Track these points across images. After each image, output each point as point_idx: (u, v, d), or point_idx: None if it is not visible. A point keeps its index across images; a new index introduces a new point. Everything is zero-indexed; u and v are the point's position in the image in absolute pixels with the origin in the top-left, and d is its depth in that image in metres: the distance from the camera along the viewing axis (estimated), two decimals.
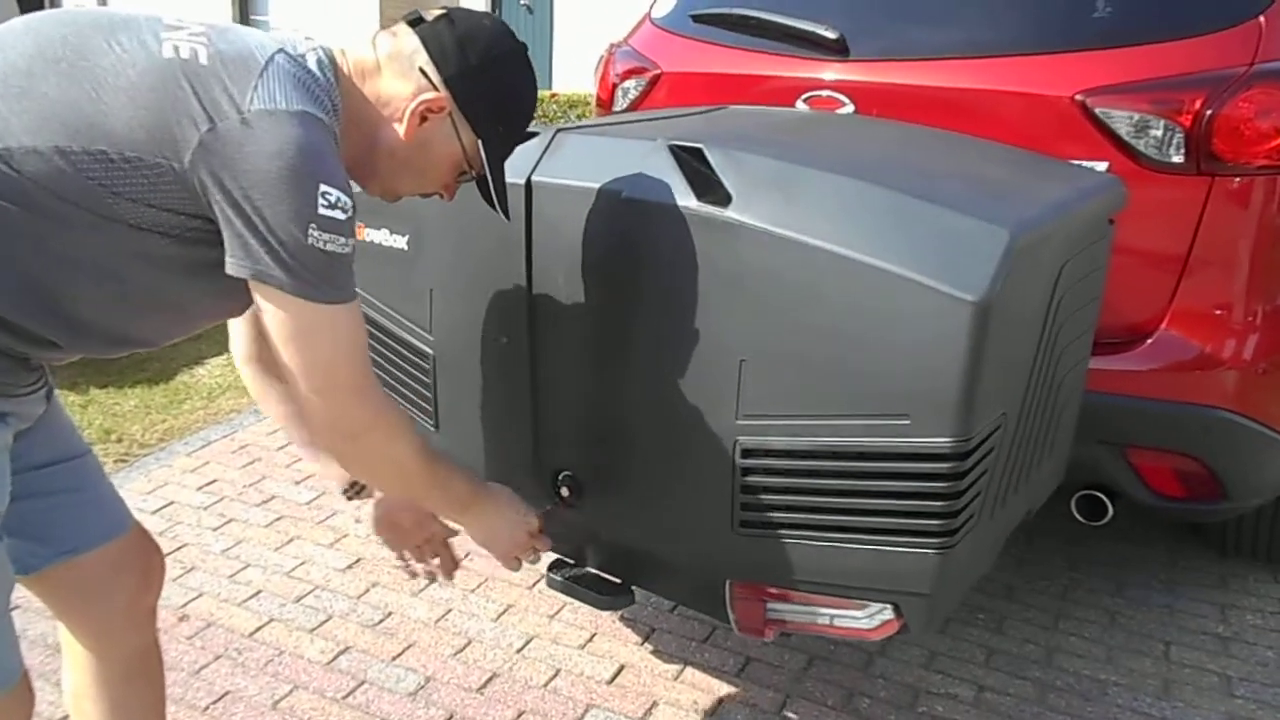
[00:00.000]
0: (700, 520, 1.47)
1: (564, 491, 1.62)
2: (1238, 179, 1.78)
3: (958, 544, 1.31)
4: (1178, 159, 1.79)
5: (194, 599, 2.30)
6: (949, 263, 1.21)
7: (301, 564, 2.45)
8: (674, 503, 1.49)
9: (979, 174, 1.51)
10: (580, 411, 1.56)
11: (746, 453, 1.39)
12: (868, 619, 1.40)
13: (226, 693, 2.00)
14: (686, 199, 1.38)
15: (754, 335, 1.34)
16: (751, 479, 1.39)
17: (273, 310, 1.09)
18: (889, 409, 1.27)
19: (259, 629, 2.20)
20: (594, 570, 1.75)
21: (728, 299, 1.36)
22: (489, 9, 11.82)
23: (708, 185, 1.38)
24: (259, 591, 2.34)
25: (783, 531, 1.40)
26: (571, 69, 11.46)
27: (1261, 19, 1.80)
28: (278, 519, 2.66)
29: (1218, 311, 1.87)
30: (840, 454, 1.32)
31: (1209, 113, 1.76)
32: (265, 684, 2.03)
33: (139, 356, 3.75)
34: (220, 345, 3.91)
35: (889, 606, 1.38)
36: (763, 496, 1.39)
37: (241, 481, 2.85)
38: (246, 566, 2.44)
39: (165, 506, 2.71)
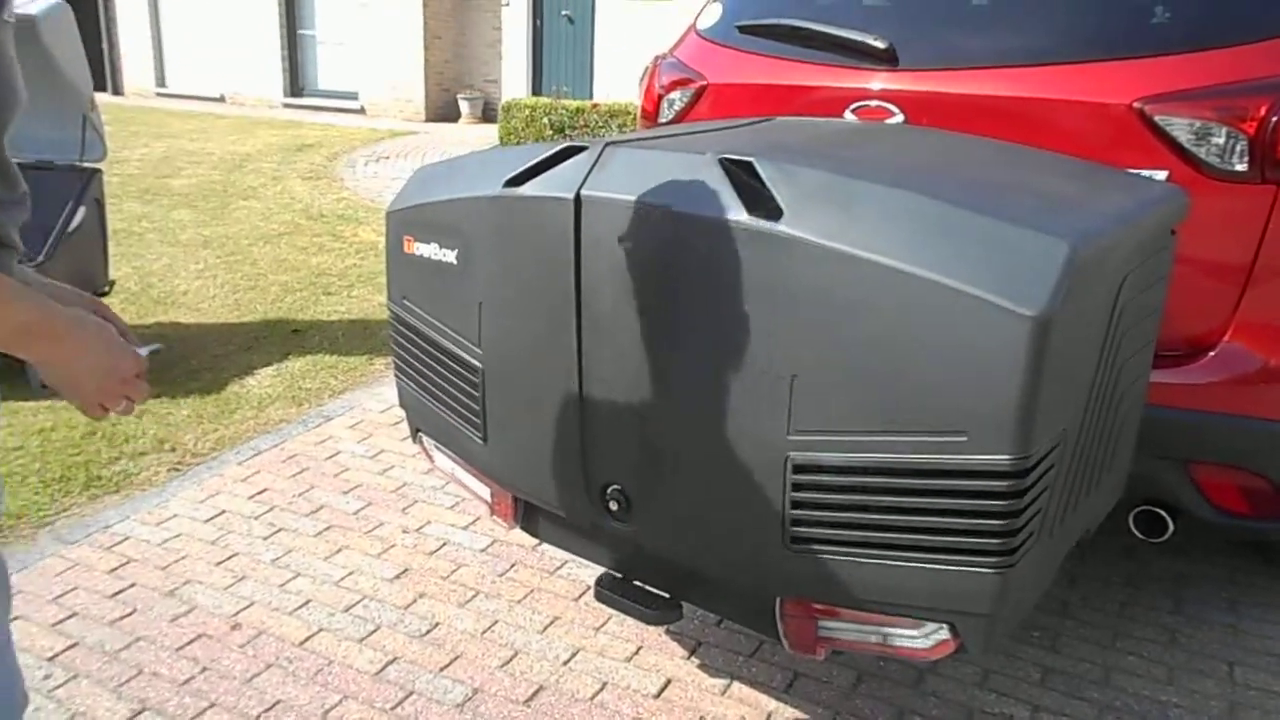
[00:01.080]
0: (751, 536, 1.45)
1: (613, 506, 1.62)
2: None
3: (1017, 563, 1.28)
4: (1241, 167, 1.75)
5: (245, 608, 2.33)
6: (1007, 276, 1.19)
7: (350, 574, 2.48)
8: (723, 518, 1.48)
9: (1035, 185, 1.48)
10: (629, 426, 1.55)
11: (798, 469, 1.37)
12: (923, 639, 1.37)
13: (278, 701, 2.02)
14: (738, 213, 1.37)
15: (806, 350, 1.33)
16: (803, 495, 1.38)
17: None
18: (946, 426, 1.25)
19: (309, 638, 2.22)
20: (642, 584, 1.74)
21: (779, 314, 1.34)
22: (530, 19, 11.92)
23: (759, 199, 1.37)
24: (309, 601, 2.36)
25: (835, 548, 1.38)
26: (612, 80, 11.50)
27: None
28: (326, 528, 2.69)
29: None
30: (895, 470, 1.30)
31: (1275, 119, 1.71)
32: (315, 694, 2.04)
33: (191, 366, 3.83)
34: (270, 356, 3.97)
35: (945, 626, 1.35)
36: (815, 513, 1.38)
37: (291, 491, 2.89)
38: (296, 576, 2.46)
39: (217, 515, 2.75)
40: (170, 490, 2.89)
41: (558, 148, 1.64)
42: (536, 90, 12.08)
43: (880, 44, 2.04)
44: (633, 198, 1.47)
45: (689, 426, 1.47)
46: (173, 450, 3.16)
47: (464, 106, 12.26)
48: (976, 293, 1.19)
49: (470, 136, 10.81)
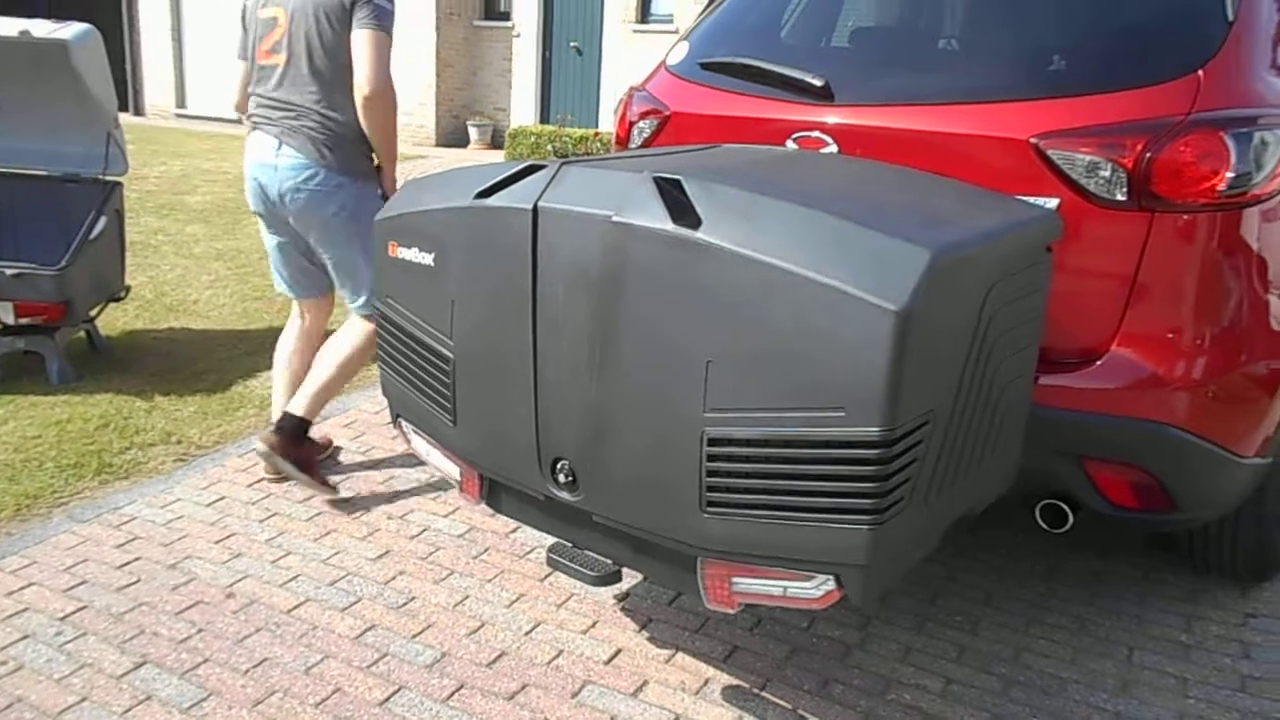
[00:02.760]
0: (675, 502, 1.68)
1: (562, 478, 1.85)
2: (1176, 215, 1.97)
3: (887, 522, 1.51)
4: (1121, 196, 1.99)
5: (239, 580, 2.56)
6: (877, 277, 1.43)
7: (337, 553, 2.71)
8: (652, 487, 1.71)
9: (921, 205, 1.72)
10: (576, 407, 1.79)
11: (712, 441, 1.61)
12: (815, 589, 1.59)
13: (265, 659, 2.24)
14: (665, 222, 1.61)
15: (719, 339, 1.57)
16: (716, 464, 1.61)
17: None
18: (829, 403, 1.48)
19: (296, 607, 2.45)
20: (589, 551, 1.97)
21: (698, 308, 1.58)
22: (540, 49, 12.30)
23: (683, 211, 1.61)
24: (298, 575, 2.59)
25: (743, 511, 1.61)
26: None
27: (1200, 73, 2.00)
28: (317, 514, 2.92)
29: (1166, 334, 2.04)
30: (790, 442, 1.53)
31: (1149, 155, 1.96)
32: (299, 653, 2.27)
33: (199, 368, 4.08)
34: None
35: (832, 578, 1.57)
36: (726, 480, 1.61)
37: (286, 482, 3.12)
38: (287, 554, 2.69)
39: (218, 500, 2.99)
40: (176, 478, 3.13)
41: (521, 165, 1.89)
42: (544, 118, 12.43)
43: (817, 82, 2.29)
44: (581, 209, 1.72)
45: (624, 406, 1.71)
46: (179, 443, 3.40)
47: (473, 133, 12.61)
48: (852, 290, 1.43)
49: (478, 161, 11.13)
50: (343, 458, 3.30)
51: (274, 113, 2.95)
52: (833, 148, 2.28)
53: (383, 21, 2.81)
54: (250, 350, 4.35)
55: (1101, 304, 2.06)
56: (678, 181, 1.66)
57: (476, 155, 11.90)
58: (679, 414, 1.63)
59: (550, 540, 2.44)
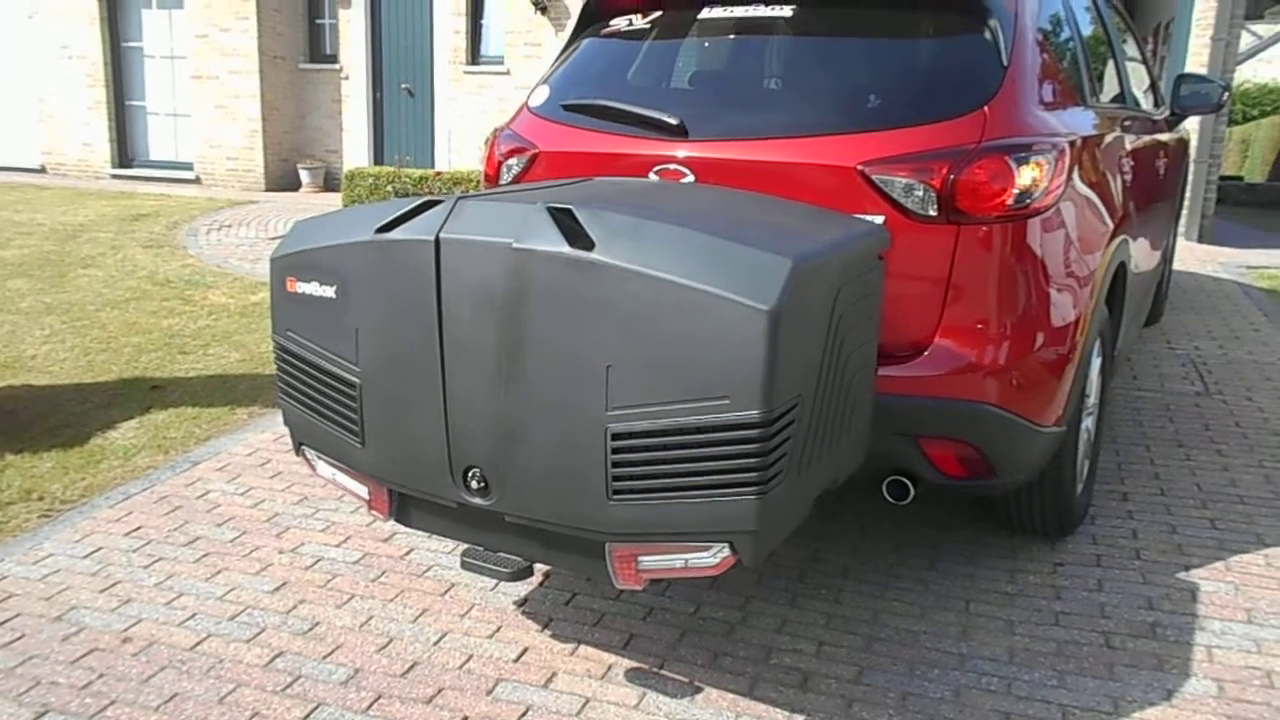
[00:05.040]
0: (583, 495, 1.89)
1: (474, 484, 2.02)
2: (977, 227, 2.37)
3: (771, 492, 1.77)
4: (933, 212, 2.37)
5: (134, 624, 2.55)
6: (750, 283, 1.70)
7: (232, 590, 2.74)
8: (561, 484, 1.91)
9: (776, 223, 2.02)
10: (485, 418, 1.97)
11: (615, 436, 1.83)
12: (712, 557, 1.84)
13: (175, 694, 2.27)
14: (561, 246, 1.83)
15: (616, 346, 1.80)
16: (619, 457, 1.83)
17: None
18: (715, 393, 1.74)
19: (199, 643, 2.47)
20: (501, 552, 2.14)
21: (595, 319, 1.81)
22: (370, 91, 12.26)
23: (576, 235, 1.84)
24: (195, 614, 2.61)
25: (645, 495, 1.84)
26: (453, 149, 11.96)
27: (986, 109, 2.42)
28: (205, 555, 2.93)
29: (976, 326, 2.43)
30: (683, 430, 1.77)
31: (952, 178, 2.35)
32: (210, 685, 2.31)
33: (50, 423, 3.94)
34: (130, 411, 4.12)
35: (726, 545, 1.82)
36: (629, 469, 1.83)
37: (166, 527, 3.11)
38: (180, 595, 2.70)
39: (95, 552, 2.94)
40: (43, 534, 3.05)
41: (419, 201, 2.07)
42: (378, 160, 12.38)
43: (673, 120, 2.59)
44: (482, 238, 1.92)
45: (532, 413, 1.91)
46: (41, 499, 3.30)
47: (305, 176, 12.39)
48: (729, 295, 1.70)
49: (314, 205, 10.96)
50: (221, 500, 3.30)
51: None
52: (690, 178, 2.57)
53: None
54: (104, 403, 4.23)
55: (925, 304, 2.43)
56: (569, 210, 1.89)
57: (309, 199, 11.70)
58: (584, 415, 1.85)
59: (451, 551, 2.57)
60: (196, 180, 12.74)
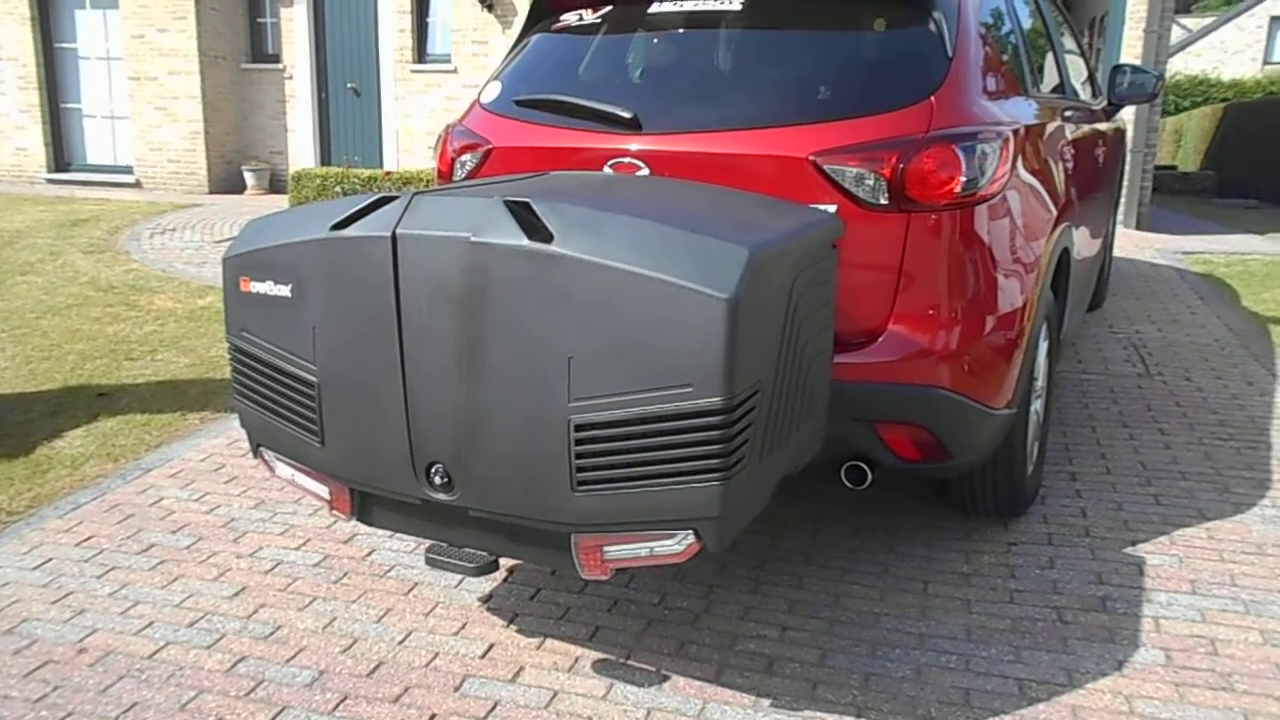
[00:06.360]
0: (547, 487, 1.90)
1: (437, 480, 2.02)
2: (927, 214, 2.42)
3: (735, 478, 1.79)
4: (884, 201, 2.41)
5: (89, 635, 2.50)
6: (709, 272, 1.72)
7: (189, 596, 2.69)
8: (525, 476, 1.91)
9: (731, 213, 2.05)
10: (447, 413, 1.97)
11: (578, 427, 1.84)
12: (677, 544, 1.86)
13: (135, 703, 2.23)
14: (519, 239, 1.84)
15: (578, 337, 1.81)
16: (583, 448, 1.84)
17: None
18: (677, 382, 1.75)
19: (157, 651, 2.43)
20: (465, 548, 2.14)
21: (556, 311, 1.82)
22: (315, 91, 12.08)
23: (535, 228, 1.85)
24: (152, 622, 2.56)
25: (610, 485, 1.85)
26: (401, 149, 11.84)
27: (933, 99, 2.47)
28: (160, 562, 2.88)
29: (928, 312, 2.48)
30: (646, 419, 1.79)
31: (902, 166, 2.39)
32: (171, 693, 2.27)
33: None
34: (77, 420, 4.03)
35: (691, 532, 1.84)
36: (593, 459, 1.84)
37: (119, 535, 3.04)
38: (136, 604, 2.65)
39: (45, 563, 2.87)
40: None
41: (374, 198, 2.05)
42: (325, 160, 12.20)
43: (627, 114, 2.60)
44: (440, 232, 1.91)
45: (494, 407, 1.91)
46: None
47: (249, 178, 12.17)
48: (689, 284, 1.72)
49: (260, 207, 10.77)
50: (175, 506, 3.25)
51: None
52: (645, 171, 2.58)
53: None
54: (48, 411, 4.12)
55: (877, 291, 2.47)
56: (527, 204, 1.89)
57: (255, 201, 11.50)
58: (547, 407, 1.85)
59: (413, 550, 2.55)
60: (137, 184, 12.45)
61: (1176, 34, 9.26)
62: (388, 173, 9.49)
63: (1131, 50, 8.93)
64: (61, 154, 12.92)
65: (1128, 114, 8.44)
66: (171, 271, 7.14)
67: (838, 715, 2.18)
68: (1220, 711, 2.19)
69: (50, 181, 12.70)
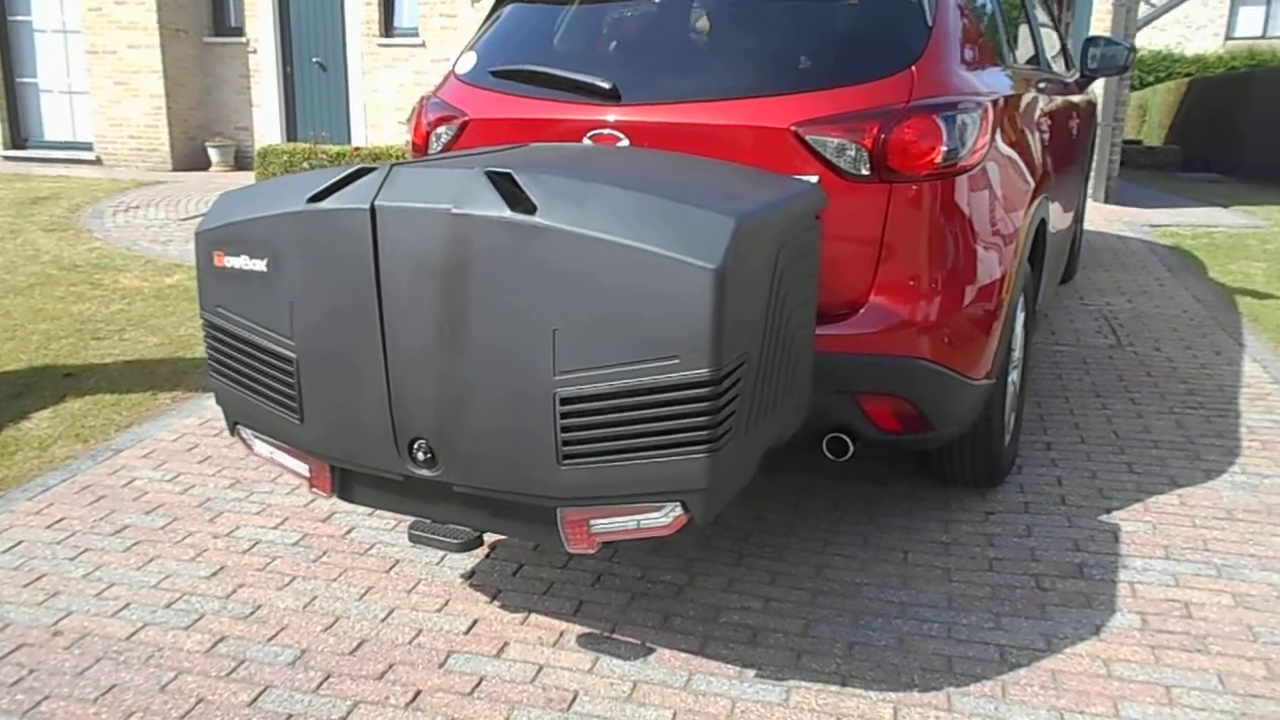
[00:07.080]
0: (532, 461, 1.88)
1: (420, 455, 1.99)
2: (908, 185, 2.41)
3: (721, 450, 1.79)
4: (866, 171, 2.41)
5: (63, 617, 2.46)
6: (695, 243, 1.71)
7: (166, 577, 2.65)
8: (510, 451, 1.90)
9: (715, 184, 2.03)
10: (429, 388, 1.94)
11: (564, 400, 1.82)
12: (665, 517, 1.85)
13: (113, 685, 2.20)
14: (501, 210, 1.81)
15: (563, 309, 1.79)
16: (569, 420, 1.83)
17: None
18: (664, 353, 1.74)
19: (135, 633, 2.40)
20: (450, 524, 2.12)
21: (540, 283, 1.79)
22: (280, 65, 11.86)
23: (517, 199, 1.82)
24: (129, 604, 2.52)
25: (596, 458, 1.83)
26: (370, 124, 11.67)
27: (913, 69, 2.46)
28: (135, 543, 2.83)
29: (909, 284, 2.48)
30: (633, 392, 1.78)
31: (884, 136, 2.38)
32: (150, 674, 2.24)
33: None
34: (44, 401, 3.95)
35: (678, 504, 1.84)
36: (579, 433, 1.83)
37: (91, 517, 2.99)
38: (111, 585, 2.61)
39: (15, 546, 2.82)
40: None
41: (351, 169, 2.01)
42: (291, 136, 12.00)
43: (606, 85, 2.56)
44: (420, 204, 1.88)
45: (478, 381, 1.89)
46: None
47: (214, 154, 11.95)
48: (675, 255, 1.70)
49: (225, 184, 10.58)
50: (148, 487, 3.19)
51: None
52: (625, 141, 2.55)
53: None
54: (13, 393, 4.03)
55: (859, 263, 2.47)
56: (509, 174, 1.86)
57: (220, 178, 11.29)
58: (532, 381, 1.83)
59: (393, 528, 2.53)
60: (97, 161, 12.18)
61: (1142, 10, 9.33)
62: (356, 148, 9.35)
63: (1100, 23, 8.98)
64: (18, 130, 12.60)
65: (1096, 87, 8.50)
66: (136, 250, 7.00)
67: (822, 684, 2.20)
68: (1195, 673, 2.23)
69: (6, 159, 12.39)
